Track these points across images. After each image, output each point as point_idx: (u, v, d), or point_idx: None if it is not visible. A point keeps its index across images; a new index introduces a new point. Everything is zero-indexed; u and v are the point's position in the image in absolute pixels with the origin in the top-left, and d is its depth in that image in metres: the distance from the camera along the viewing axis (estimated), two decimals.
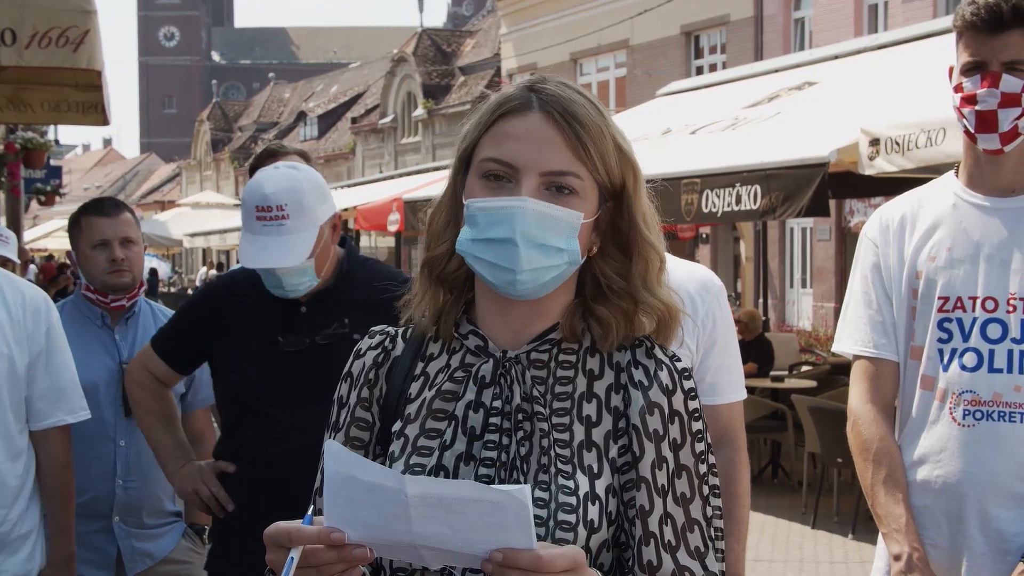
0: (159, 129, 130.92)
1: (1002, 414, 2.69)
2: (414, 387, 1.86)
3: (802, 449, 9.60)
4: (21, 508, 3.32)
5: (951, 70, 2.81)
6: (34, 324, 3.35)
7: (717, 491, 1.81)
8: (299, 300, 3.30)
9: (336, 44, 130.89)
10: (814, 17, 21.55)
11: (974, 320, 2.75)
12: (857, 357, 2.94)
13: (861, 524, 8.58)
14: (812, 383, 10.81)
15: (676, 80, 18.45)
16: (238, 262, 3.84)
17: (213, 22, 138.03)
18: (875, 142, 7.74)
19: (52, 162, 19.46)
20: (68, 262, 29.60)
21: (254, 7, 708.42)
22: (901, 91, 8.91)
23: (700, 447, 1.79)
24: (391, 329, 1.93)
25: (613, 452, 1.77)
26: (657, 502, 1.74)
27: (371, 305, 3.17)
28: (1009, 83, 2.67)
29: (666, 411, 1.77)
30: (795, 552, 8.53)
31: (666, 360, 1.81)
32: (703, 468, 1.79)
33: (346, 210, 20.20)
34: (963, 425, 2.73)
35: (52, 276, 19.70)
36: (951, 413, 2.76)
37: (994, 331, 2.73)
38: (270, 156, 3.95)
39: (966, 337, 2.76)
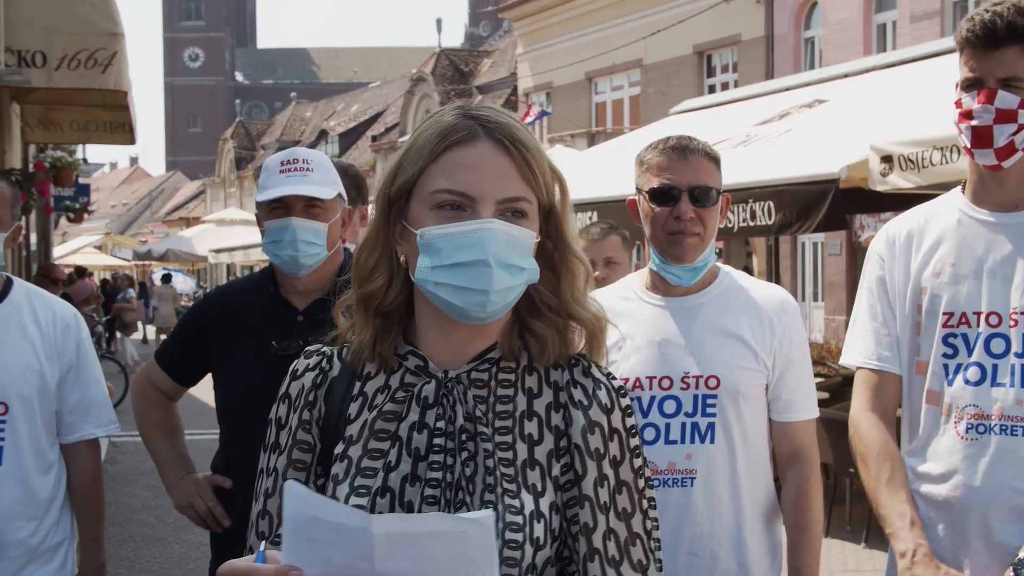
0: (184, 148, 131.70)
1: (1004, 428, 2.68)
2: (353, 407, 1.84)
3: None
4: (52, 519, 3.39)
5: (957, 85, 2.80)
6: (64, 340, 3.40)
7: (654, 504, 1.85)
8: (296, 309, 3.30)
9: (356, 64, 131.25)
10: (824, 36, 21.43)
11: (978, 335, 2.74)
12: (860, 368, 2.94)
13: (873, 533, 8.56)
14: (824, 395, 10.33)
15: (689, 98, 18.23)
16: None
17: (237, 43, 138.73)
18: (887, 159, 7.71)
19: (80, 180, 19.40)
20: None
21: (276, 28, 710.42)
22: (910, 109, 8.91)
23: (638, 462, 1.83)
24: (327, 349, 1.91)
25: (556, 470, 1.79)
26: (600, 519, 1.77)
27: None
28: (1005, 99, 2.66)
29: (606, 429, 1.80)
30: None
31: (603, 379, 1.85)
32: (641, 483, 1.82)
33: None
34: (966, 439, 2.72)
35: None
36: (955, 427, 2.75)
37: (997, 346, 2.72)
38: None
39: (971, 352, 2.75)
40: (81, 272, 26.31)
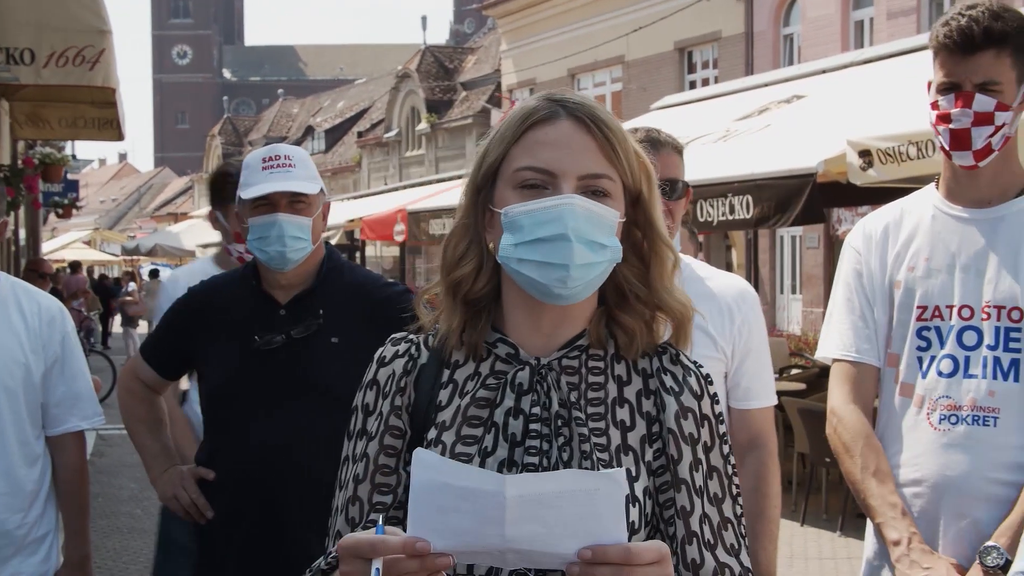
0: (172, 144, 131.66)
1: (976, 418, 2.72)
2: (443, 394, 1.84)
3: (792, 450, 9.70)
4: (38, 512, 3.39)
5: (929, 84, 2.84)
6: (49, 333, 3.39)
7: (740, 491, 1.85)
8: (278, 303, 3.29)
9: (342, 61, 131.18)
10: (802, 33, 21.56)
11: (951, 328, 2.78)
12: (837, 360, 2.96)
13: (848, 521, 8.82)
14: (801, 386, 10.88)
15: (670, 94, 18.37)
16: None
17: (224, 41, 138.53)
18: (865, 153, 7.76)
19: (69, 176, 19.26)
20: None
21: (264, 26, 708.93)
22: (886, 104, 9.05)
23: (726, 449, 1.84)
24: (413, 337, 1.92)
25: (649, 456, 1.79)
26: (696, 502, 1.78)
27: (349, 307, 3.26)
28: (982, 103, 2.70)
29: (698, 415, 1.81)
30: (785, 548, 8.36)
31: (692, 367, 1.86)
32: (730, 469, 1.83)
33: (352, 221, 20.46)
34: (939, 429, 2.76)
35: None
36: (928, 418, 2.78)
37: (970, 338, 2.76)
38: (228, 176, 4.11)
39: (943, 344, 2.78)
40: (75, 267, 26.47)
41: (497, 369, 1.83)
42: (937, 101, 2.78)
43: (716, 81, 21.83)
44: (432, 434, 1.81)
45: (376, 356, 1.91)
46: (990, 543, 2.63)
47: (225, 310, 3.34)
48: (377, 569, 1.50)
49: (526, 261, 1.73)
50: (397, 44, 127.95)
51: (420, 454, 1.52)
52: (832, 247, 20.27)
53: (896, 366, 2.87)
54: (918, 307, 2.83)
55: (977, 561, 2.64)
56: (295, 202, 3.25)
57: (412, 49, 51.32)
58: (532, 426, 1.78)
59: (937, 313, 2.80)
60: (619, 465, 1.76)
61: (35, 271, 12.89)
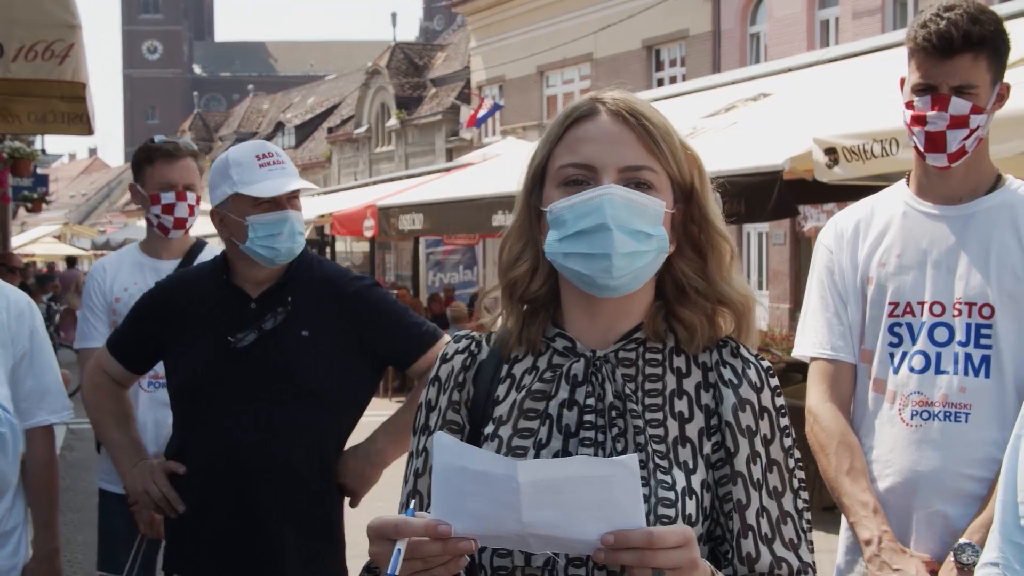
0: (143, 139, 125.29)
1: (948, 414, 2.75)
2: (501, 389, 1.86)
3: None
4: (6, 505, 3.32)
5: (902, 81, 2.85)
6: (18, 326, 3.33)
7: (804, 485, 1.84)
8: (250, 296, 3.28)
9: (313, 57, 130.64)
10: (769, 32, 21.78)
11: (922, 324, 2.80)
12: (814, 359, 2.98)
13: (815, 515, 8.47)
14: None
15: (638, 92, 18.67)
16: None
17: (195, 36, 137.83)
18: (831, 151, 7.71)
19: (39, 171, 19.30)
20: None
21: (234, 22, 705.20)
22: (851, 102, 8.98)
23: (787, 442, 1.83)
24: (475, 334, 1.94)
25: (707, 448, 1.79)
26: (753, 496, 1.77)
27: (319, 301, 3.29)
28: (958, 106, 2.71)
29: (756, 407, 1.80)
30: None
31: (752, 359, 1.84)
32: (791, 463, 1.82)
33: (322, 216, 20.49)
34: (911, 425, 2.79)
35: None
36: (900, 414, 2.81)
37: (941, 334, 2.79)
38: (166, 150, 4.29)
39: (915, 340, 2.81)
40: (72, 262, 26.41)
41: (554, 363, 1.85)
42: (912, 101, 2.80)
43: (683, 79, 21.95)
44: (489, 428, 1.84)
45: (440, 353, 1.95)
46: (964, 540, 2.67)
47: (195, 304, 3.33)
48: (399, 550, 1.53)
49: (571, 255, 1.76)
50: (367, 40, 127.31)
51: (439, 438, 1.56)
52: (798, 243, 20.37)
53: (869, 362, 2.91)
54: (890, 303, 2.86)
55: (952, 558, 2.67)
56: (292, 198, 3.31)
57: (382, 45, 51.15)
58: (586, 417, 1.79)
59: (908, 309, 2.84)
60: (676, 457, 1.77)
61: (4, 265, 12.87)
